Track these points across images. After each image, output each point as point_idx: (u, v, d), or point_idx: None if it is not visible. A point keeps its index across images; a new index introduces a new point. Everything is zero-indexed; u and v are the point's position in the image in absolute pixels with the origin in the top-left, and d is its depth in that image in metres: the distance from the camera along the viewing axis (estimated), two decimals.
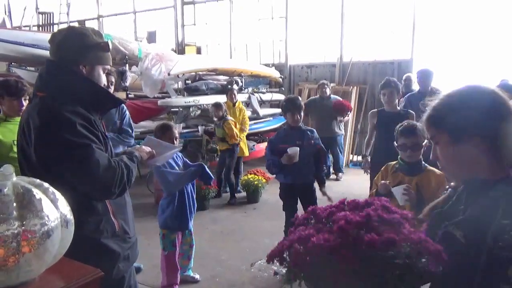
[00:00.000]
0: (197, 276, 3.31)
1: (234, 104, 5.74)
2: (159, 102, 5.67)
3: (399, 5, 8.09)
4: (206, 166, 3.07)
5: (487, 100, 1.00)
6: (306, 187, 3.39)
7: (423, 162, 2.38)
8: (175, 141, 2.93)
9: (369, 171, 3.82)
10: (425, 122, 1.09)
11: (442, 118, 1.04)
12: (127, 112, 3.35)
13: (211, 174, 3.13)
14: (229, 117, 5.36)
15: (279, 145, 3.24)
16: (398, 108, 3.78)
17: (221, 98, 5.80)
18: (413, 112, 3.67)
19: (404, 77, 6.07)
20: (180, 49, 10.34)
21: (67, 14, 11.87)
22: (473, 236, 0.90)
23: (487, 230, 0.87)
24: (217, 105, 5.26)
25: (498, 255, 0.85)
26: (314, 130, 3.51)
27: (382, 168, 2.53)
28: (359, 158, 8.19)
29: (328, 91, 6.39)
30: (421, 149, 2.34)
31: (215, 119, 5.40)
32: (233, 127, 5.27)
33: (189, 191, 3.03)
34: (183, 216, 2.95)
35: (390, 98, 3.65)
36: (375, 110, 3.96)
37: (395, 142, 2.44)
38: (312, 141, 3.32)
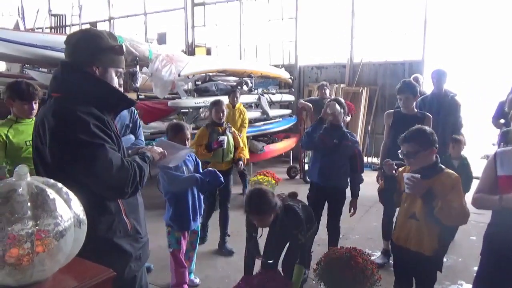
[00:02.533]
0: (197, 280, 3.29)
1: (233, 106, 5.57)
2: (169, 103, 5.69)
3: (410, 5, 8.01)
4: (217, 172, 3.01)
5: None
6: (337, 191, 3.32)
7: (440, 165, 2.33)
8: (187, 142, 2.92)
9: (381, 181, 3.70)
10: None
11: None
12: (137, 115, 3.37)
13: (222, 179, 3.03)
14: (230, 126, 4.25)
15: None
16: (416, 110, 3.64)
17: (227, 100, 5.73)
18: (430, 115, 3.57)
19: (411, 77, 5.99)
20: (190, 50, 10.39)
21: (79, 16, 12.00)
22: None
23: None
24: (217, 104, 3.98)
25: None
26: (354, 133, 3.48)
27: (401, 169, 2.51)
28: (369, 159, 8.14)
29: (328, 92, 6.37)
30: (415, 156, 2.29)
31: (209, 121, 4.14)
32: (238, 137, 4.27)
33: (195, 192, 2.99)
34: (184, 216, 2.93)
35: (406, 103, 3.52)
36: (391, 111, 3.83)
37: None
38: (349, 143, 3.25)
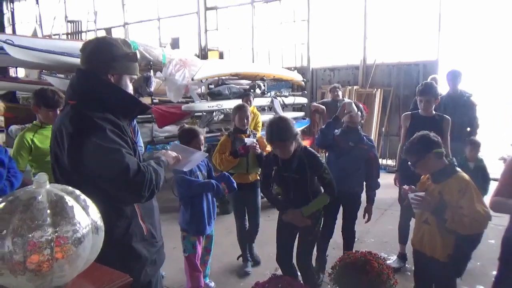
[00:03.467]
0: (212, 284, 3.29)
1: None
2: (183, 107, 5.74)
3: (423, 5, 7.92)
4: (230, 177, 3.01)
5: None
6: (352, 195, 3.27)
7: (452, 168, 2.31)
8: (201, 148, 2.93)
9: (398, 184, 3.66)
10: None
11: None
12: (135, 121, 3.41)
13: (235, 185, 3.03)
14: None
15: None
16: (434, 112, 3.54)
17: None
18: (448, 118, 3.49)
19: (429, 79, 5.92)
20: (203, 54, 10.47)
21: (94, 22, 12.25)
22: None
23: None
24: (241, 109, 3.61)
25: None
26: (371, 138, 3.44)
27: (423, 176, 2.50)
28: (384, 161, 8.05)
29: (340, 94, 6.34)
30: (416, 166, 2.31)
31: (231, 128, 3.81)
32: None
33: (209, 197, 3.00)
34: (200, 221, 2.94)
35: (427, 105, 3.44)
36: (409, 113, 3.76)
37: None
38: (366, 146, 3.21)
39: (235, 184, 3.00)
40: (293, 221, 2.74)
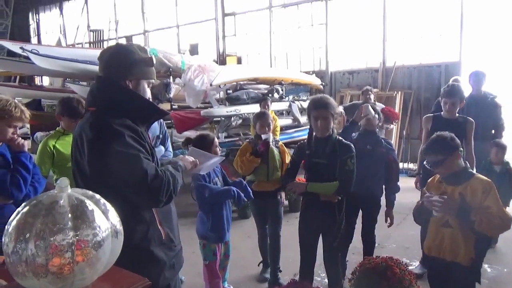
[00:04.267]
0: None
1: None
2: (202, 112, 5.80)
3: (445, 5, 7.77)
4: (245, 183, 2.98)
5: None
6: (371, 199, 3.22)
7: (470, 170, 2.26)
8: (218, 152, 2.94)
9: (419, 188, 3.59)
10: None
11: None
12: (165, 127, 3.44)
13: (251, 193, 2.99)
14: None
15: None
16: (457, 114, 3.45)
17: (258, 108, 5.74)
18: (472, 120, 3.40)
19: (451, 80, 5.78)
20: (222, 60, 10.56)
21: (116, 30, 12.54)
22: None
23: None
24: (262, 116, 3.44)
25: None
26: (390, 141, 3.40)
27: (429, 180, 2.43)
28: (405, 165, 7.90)
29: (372, 97, 6.22)
30: (442, 165, 2.22)
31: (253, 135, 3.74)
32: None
33: (227, 203, 2.98)
34: (221, 228, 2.93)
35: (452, 108, 3.35)
36: (430, 115, 3.68)
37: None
38: (384, 150, 3.16)
39: (251, 193, 2.96)
40: (293, 188, 2.78)
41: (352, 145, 2.68)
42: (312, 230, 2.80)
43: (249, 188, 2.98)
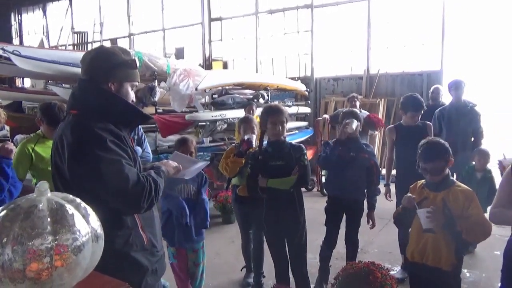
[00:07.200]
0: None
1: None
2: (187, 116, 5.76)
3: (427, 15, 7.95)
4: (207, 213, 2.92)
5: None
6: (355, 203, 3.30)
7: (451, 178, 2.32)
8: (193, 155, 2.89)
9: (390, 198, 3.68)
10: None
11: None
12: (142, 130, 3.42)
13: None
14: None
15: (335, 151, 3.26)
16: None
17: (243, 113, 5.75)
18: (430, 123, 3.62)
19: (431, 89, 5.90)
20: (207, 64, 10.54)
21: (100, 33, 12.39)
22: None
23: None
24: (246, 121, 3.51)
25: None
26: (371, 145, 3.49)
27: (412, 186, 2.47)
28: None
29: (358, 104, 6.31)
30: (442, 172, 2.26)
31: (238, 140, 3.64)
32: None
33: (187, 212, 2.81)
34: (172, 233, 2.84)
35: (416, 118, 3.59)
36: (393, 126, 3.86)
37: (417, 163, 2.37)
38: (366, 155, 3.25)
39: (208, 223, 2.93)
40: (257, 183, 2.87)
41: (303, 146, 2.97)
42: (277, 231, 2.91)
43: (208, 218, 2.92)
